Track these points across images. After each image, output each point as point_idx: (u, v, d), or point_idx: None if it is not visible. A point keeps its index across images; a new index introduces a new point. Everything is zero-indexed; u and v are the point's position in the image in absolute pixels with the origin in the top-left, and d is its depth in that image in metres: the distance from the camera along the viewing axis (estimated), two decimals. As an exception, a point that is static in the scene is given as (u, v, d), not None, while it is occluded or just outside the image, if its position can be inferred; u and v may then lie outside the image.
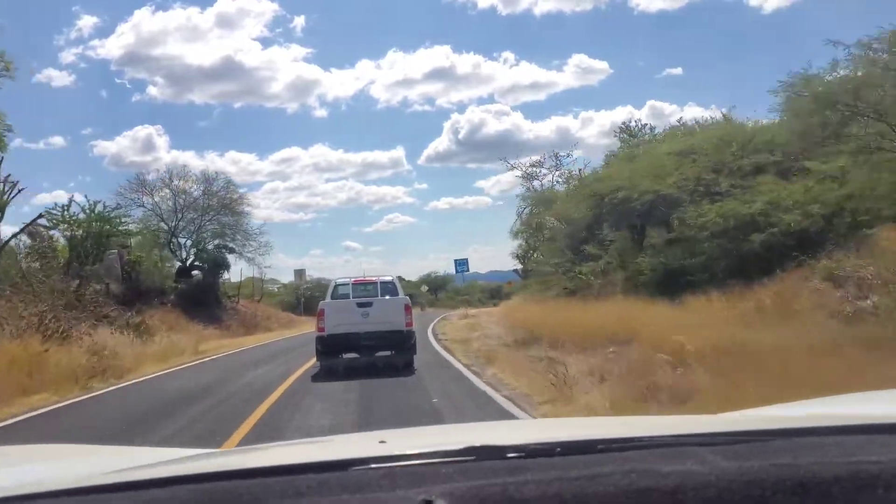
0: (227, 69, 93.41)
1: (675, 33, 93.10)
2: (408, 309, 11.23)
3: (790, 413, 1.69)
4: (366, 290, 11.70)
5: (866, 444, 0.98)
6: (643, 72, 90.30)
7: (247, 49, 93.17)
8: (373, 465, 0.96)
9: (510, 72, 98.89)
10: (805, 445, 1.00)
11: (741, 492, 0.83)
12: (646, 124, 34.43)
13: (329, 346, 10.93)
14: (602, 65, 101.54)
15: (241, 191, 36.08)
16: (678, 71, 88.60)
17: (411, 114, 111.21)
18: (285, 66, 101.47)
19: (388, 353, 10.99)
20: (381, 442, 1.20)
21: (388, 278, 12.39)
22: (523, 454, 0.98)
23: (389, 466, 0.95)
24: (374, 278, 12.23)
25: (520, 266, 41.43)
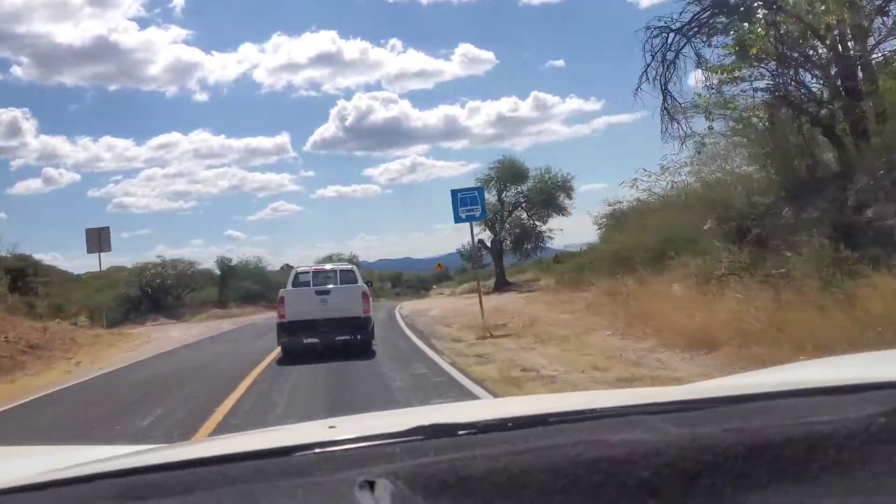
0: (101, 50, 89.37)
1: (557, 26, 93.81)
2: (365, 296, 11.66)
3: (745, 381, 1.67)
4: (325, 278, 12.22)
5: (818, 406, 0.98)
6: (528, 63, 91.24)
7: (122, 29, 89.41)
8: (315, 450, 0.94)
9: (397, 59, 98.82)
10: (756, 410, 1.00)
11: (692, 458, 0.82)
12: None
13: (289, 332, 11.41)
14: (488, 55, 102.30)
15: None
16: (560, 63, 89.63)
17: (296, 99, 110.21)
18: (164, 48, 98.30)
19: (347, 336, 11.42)
20: (331, 427, 1.15)
21: (348, 267, 13.10)
22: (475, 430, 0.96)
23: (331, 450, 0.93)
24: (333, 267, 12.98)
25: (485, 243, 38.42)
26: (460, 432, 0.96)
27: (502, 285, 34.09)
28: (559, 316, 13.52)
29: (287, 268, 76.38)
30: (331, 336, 11.39)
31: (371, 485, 0.78)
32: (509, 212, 34.47)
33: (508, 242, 34.14)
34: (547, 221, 33.98)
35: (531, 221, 34.03)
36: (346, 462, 0.86)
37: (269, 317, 31.73)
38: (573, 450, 0.84)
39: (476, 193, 13.98)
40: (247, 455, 0.94)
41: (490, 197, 35.02)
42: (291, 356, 11.05)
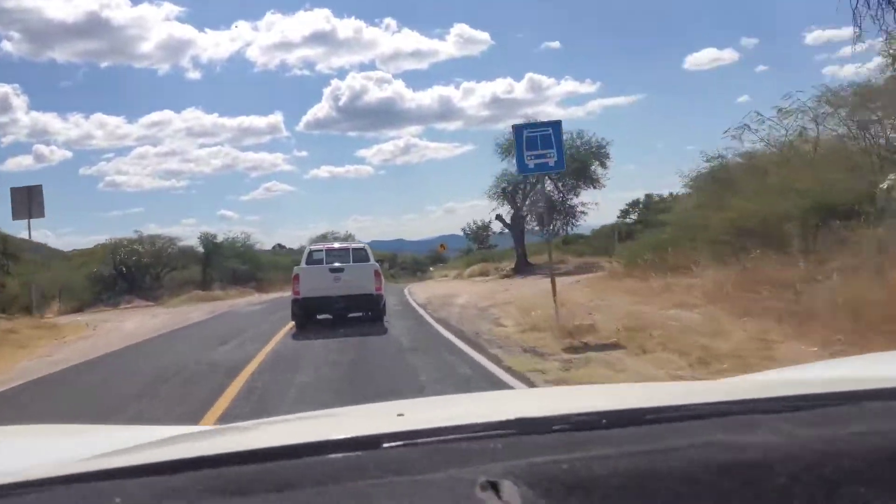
0: (93, 26, 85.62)
1: (553, 7, 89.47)
2: (377, 274, 11.92)
3: (802, 376, 1.60)
4: (338, 257, 12.37)
5: None
6: (523, 44, 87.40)
7: (114, 5, 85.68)
8: (407, 442, 0.86)
9: (392, 38, 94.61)
10: (878, 411, 0.93)
11: (832, 463, 0.75)
12: None
13: (303, 309, 11.64)
14: (483, 35, 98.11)
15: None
16: (556, 45, 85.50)
17: (290, 78, 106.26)
18: (156, 25, 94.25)
19: (359, 313, 11.81)
20: (399, 415, 1.11)
21: (360, 245, 13.38)
22: (568, 426, 0.90)
23: (428, 442, 0.86)
24: (346, 245, 13.44)
25: (500, 224, 32.41)
26: (555, 427, 0.91)
27: (524, 268, 29.70)
28: (674, 313, 9.08)
29: (279, 248, 72.78)
30: (343, 312, 11.75)
31: (493, 486, 0.71)
32: (532, 183, 29.95)
33: (532, 218, 29.53)
34: (579, 194, 29.47)
35: (560, 194, 29.48)
36: (452, 458, 0.79)
37: (255, 301, 26.99)
38: (701, 453, 0.78)
39: (550, 131, 9.57)
40: (337, 444, 0.87)
41: (510, 167, 30.17)
42: (306, 331, 11.13)
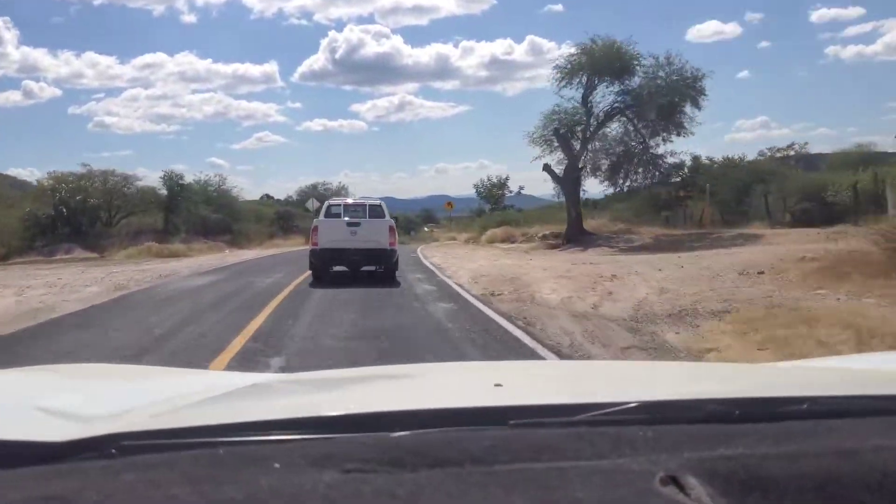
0: None
1: None
2: (392, 230, 12.54)
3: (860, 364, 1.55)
4: (355, 212, 12.86)
5: None
6: (526, 4, 79.08)
7: None
8: (545, 420, 0.79)
9: None
10: None
11: None
12: None
13: (320, 259, 12.29)
14: None
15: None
16: (559, 7, 77.20)
17: (287, 27, 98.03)
18: None
19: (373, 267, 12.30)
20: (497, 385, 1.06)
21: (376, 202, 13.45)
22: (703, 415, 0.84)
23: (567, 422, 0.79)
24: (363, 201, 13.53)
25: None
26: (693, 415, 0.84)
27: (578, 235, 22.65)
28: None
29: (266, 198, 65.66)
30: (358, 265, 12.33)
31: (673, 480, 0.65)
32: (600, 122, 22.65)
33: (603, 170, 22.25)
34: (666, 141, 22.17)
35: (639, 138, 22.20)
36: (606, 443, 0.72)
37: (217, 264, 17.89)
38: (876, 457, 0.70)
39: None
40: (455, 415, 0.82)
41: (572, 95, 22.85)
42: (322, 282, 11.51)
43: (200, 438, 0.77)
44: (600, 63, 21.30)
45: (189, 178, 34.22)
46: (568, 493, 0.62)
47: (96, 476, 0.66)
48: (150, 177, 40.66)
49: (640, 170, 22.06)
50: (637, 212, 29.01)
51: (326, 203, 13.68)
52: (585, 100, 22.33)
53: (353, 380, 1.42)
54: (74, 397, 1.24)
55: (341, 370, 1.66)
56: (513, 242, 27.01)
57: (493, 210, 46.45)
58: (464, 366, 2.78)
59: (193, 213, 32.10)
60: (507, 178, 51.89)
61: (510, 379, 1.24)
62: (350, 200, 14.53)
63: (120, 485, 0.63)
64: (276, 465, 0.65)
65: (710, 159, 30.48)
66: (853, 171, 21.32)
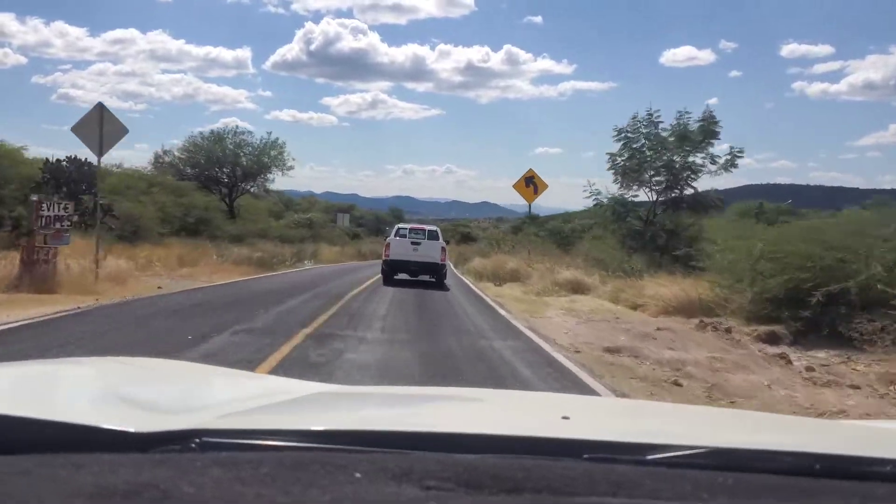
0: None
1: None
2: (443, 249, 17.62)
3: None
4: (417, 234, 17.86)
5: None
6: (505, 14, 79.94)
7: None
8: (619, 457, 0.79)
9: None
10: None
11: None
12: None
13: (390, 266, 17.23)
14: None
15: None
16: (538, 20, 78.51)
17: (263, 14, 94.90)
18: None
19: (427, 277, 17.28)
20: (565, 418, 1.05)
21: (433, 228, 18.84)
22: (779, 466, 0.81)
23: (644, 460, 0.80)
24: (424, 227, 18.93)
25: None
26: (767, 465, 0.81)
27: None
28: None
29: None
30: (416, 274, 17.26)
31: None
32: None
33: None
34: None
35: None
36: (687, 485, 0.71)
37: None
38: None
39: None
40: (529, 443, 0.83)
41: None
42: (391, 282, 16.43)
43: (277, 441, 0.80)
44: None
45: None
46: None
47: (186, 467, 0.69)
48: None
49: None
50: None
51: (396, 226, 18.82)
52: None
53: (419, 398, 1.48)
54: (150, 390, 1.28)
55: (404, 387, 1.74)
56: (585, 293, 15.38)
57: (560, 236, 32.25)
58: (525, 395, 2.72)
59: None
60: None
61: (576, 413, 1.23)
62: (418, 226, 19.24)
63: (208, 479, 0.66)
64: (358, 475, 0.67)
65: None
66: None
